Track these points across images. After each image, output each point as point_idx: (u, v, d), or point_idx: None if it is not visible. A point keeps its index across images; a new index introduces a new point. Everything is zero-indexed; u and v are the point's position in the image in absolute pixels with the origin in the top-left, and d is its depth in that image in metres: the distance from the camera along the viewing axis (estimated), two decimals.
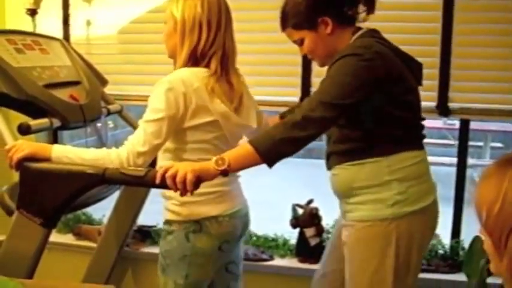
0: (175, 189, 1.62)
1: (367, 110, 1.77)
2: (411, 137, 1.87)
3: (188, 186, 1.59)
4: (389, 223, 1.79)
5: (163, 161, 1.91)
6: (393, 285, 1.82)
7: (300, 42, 1.91)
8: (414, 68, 1.88)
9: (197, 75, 1.83)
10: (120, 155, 1.77)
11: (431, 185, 1.90)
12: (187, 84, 1.79)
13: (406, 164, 1.82)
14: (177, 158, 1.88)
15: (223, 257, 2.00)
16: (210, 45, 1.86)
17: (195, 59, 1.86)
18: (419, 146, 1.89)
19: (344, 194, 1.92)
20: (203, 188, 1.73)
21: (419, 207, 1.81)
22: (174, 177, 1.60)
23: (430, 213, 1.89)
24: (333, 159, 1.93)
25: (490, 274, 2.24)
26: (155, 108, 1.78)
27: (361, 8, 1.87)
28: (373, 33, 1.85)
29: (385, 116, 1.79)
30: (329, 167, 1.97)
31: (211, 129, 1.86)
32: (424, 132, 1.93)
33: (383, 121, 1.80)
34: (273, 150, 1.67)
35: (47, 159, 1.81)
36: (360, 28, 1.88)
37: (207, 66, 1.87)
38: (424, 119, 1.93)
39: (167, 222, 1.94)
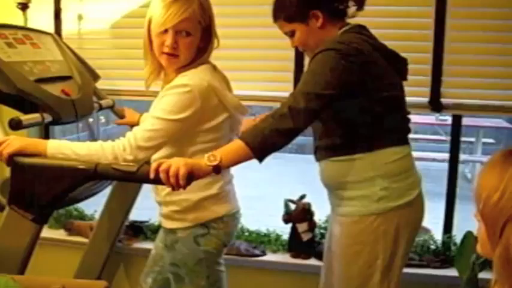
0: (169, 184, 1.62)
1: (348, 105, 1.79)
2: (395, 133, 1.88)
3: (181, 181, 1.59)
4: (375, 218, 1.82)
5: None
6: (381, 279, 1.84)
7: (291, 34, 1.92)
8: (398, 63, 1.90)
9: (211, 73, 1.86)
10: (114, 148, 1.75)
11: (415, 179, 1.92)
12: (204, 85, 1.79)
13: (390, 159, 1.84)
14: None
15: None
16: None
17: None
18: (404, 141, 1.91)
19: (332, 186, 1.95)
20: (206, 191, 1.82)
21: (404, 202, 1.83)
22: (167, 171, 1.60)
23: (416, 206, 1.90)
24: (319, 153, 1.96)
25: (481, 269, 2.25)
26: (170, 110, 1.76)
27: (351, 3, 1.89)
28: (358, 28, 1.87)
29: (366, 112, 1.81)
30: (317, 160, 2.00)
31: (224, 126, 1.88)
32: (410, 126, 1.94)
33: (365, 117, 1.82)
34: (263, 142, 1.67)
35: (40, 155, 1.79)
36: (347, 23, 1.89)
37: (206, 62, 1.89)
38: (409, 112, 1.94)
39: (170, 231, 1.93)
